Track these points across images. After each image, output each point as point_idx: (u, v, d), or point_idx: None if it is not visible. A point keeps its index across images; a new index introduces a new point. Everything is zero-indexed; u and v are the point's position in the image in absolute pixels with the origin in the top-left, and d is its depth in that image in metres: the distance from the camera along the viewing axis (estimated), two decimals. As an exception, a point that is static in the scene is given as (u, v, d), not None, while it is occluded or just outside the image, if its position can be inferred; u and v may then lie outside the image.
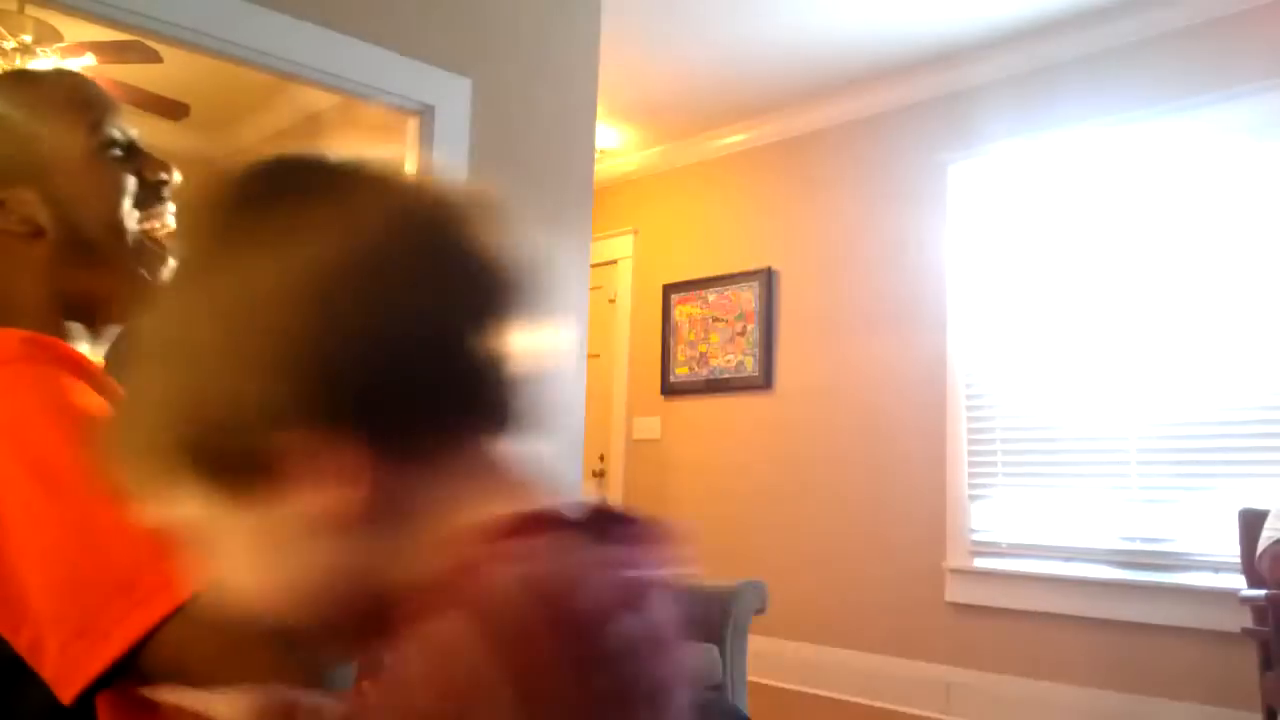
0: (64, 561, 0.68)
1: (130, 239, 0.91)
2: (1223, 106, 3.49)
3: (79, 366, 0.79)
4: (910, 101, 4.40)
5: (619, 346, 5.51)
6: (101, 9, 2.48)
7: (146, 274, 0.91)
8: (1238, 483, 3.36)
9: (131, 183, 0.92)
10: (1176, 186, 3.61)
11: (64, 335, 0.88)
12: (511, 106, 3.33)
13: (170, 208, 0.96)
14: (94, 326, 0.92)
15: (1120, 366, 3.67)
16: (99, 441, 0.48)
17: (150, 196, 0.93)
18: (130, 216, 0.91)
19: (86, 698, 0.68)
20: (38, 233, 0.87)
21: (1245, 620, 2.83)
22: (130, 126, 0.95)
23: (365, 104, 3.14)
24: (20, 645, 0.69)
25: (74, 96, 0.91)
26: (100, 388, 0.78)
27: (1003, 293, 4.03)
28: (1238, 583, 3.01)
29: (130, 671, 0.67)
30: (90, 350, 0.91)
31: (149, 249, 0.92)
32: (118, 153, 0.92)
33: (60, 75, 0.97)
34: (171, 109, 4.02)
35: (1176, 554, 3.51)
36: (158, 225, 0.94)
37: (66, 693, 0.67)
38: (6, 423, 0.73)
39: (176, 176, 0.96)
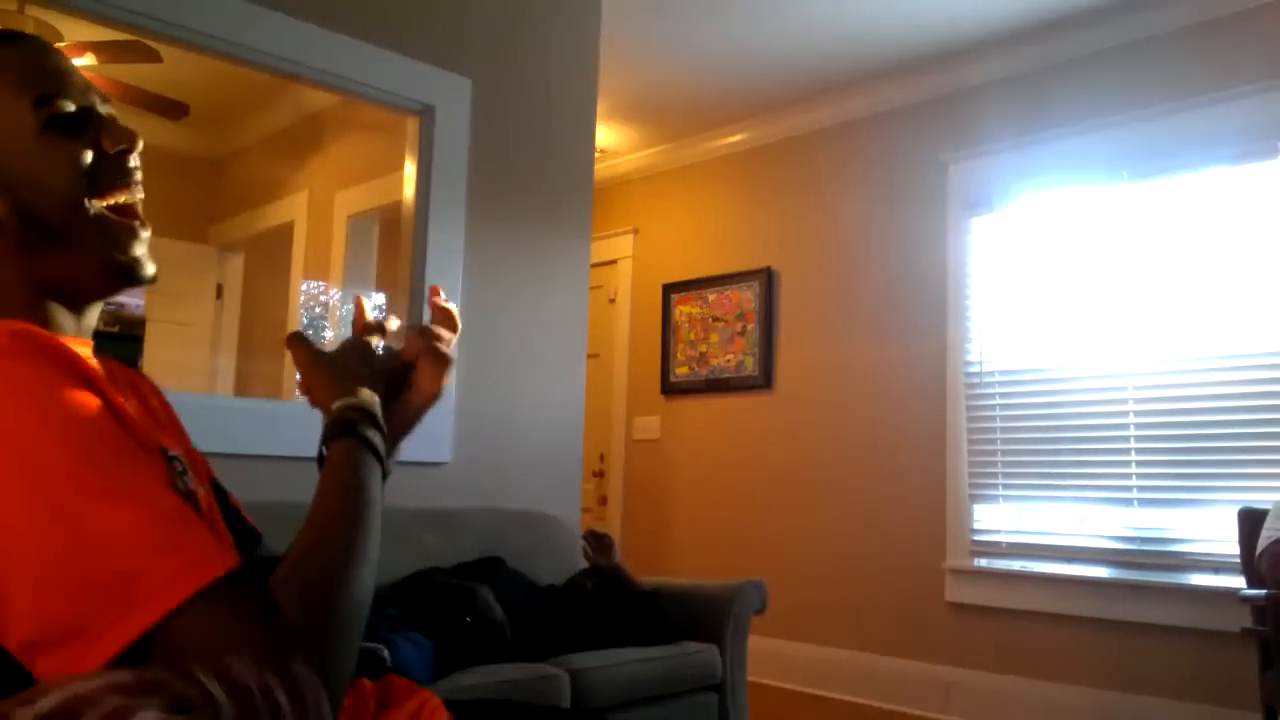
0: (57, 561, 0.67)
1: (92, 216, 0.87)
2: (1222, 106, 3.49)
3: (66, 357, 0.77)
4: (910, 101, 4.40)
5: (619, 346, 5.51)
6: (101, 9, 2.48)
7: (117, 251, 0.88)
8: (1238, 483, 3.36)
9: (88, 157, 0.87)
10: (1177, 187, 3.61)
11: (46, 320, 0.86)
12: (511, 106, 3.33)
13: (137, 177, 0.91)
14: (75, 306, 0.90)
15: (1121, 366, 3.67)
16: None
17: (112, 169, 0.88)
18: (90, 193, 0.87)
19: None
20: None
21: (1245, 620, 2.82)
22: (87, 94, 0.89)
23: (365, 104, 3.15)
24: (11, 645, 0.68)
25: (16, 72, 0.85)
26: (88, 377, 0.77)
27: (1004, 292, 4.03)
28: (1238, 583, 3.01)
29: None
30: (76, 331, 0.89)
31: (114, 224, 0.88)
32: (70, 127, 0.86)
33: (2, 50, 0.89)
34: (171, 109, 4.02)
35: (1176, 554, 3.51)
36: (123, 199, 0.89)
37: None
38: None
39: (139, 144, 0.90)
